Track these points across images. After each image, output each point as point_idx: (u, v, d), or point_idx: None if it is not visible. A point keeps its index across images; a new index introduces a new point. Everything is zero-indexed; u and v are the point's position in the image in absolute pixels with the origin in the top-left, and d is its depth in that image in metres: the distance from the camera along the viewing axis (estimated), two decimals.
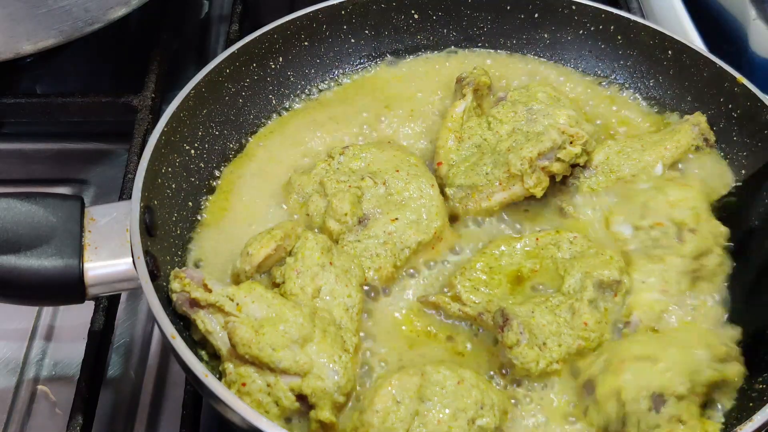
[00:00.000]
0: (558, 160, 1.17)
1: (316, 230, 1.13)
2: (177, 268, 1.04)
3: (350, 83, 1.39)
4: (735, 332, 1.08)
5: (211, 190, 1.22)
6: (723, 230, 1.15)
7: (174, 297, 1.01)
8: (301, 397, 0.97)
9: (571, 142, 1.17)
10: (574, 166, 1.20)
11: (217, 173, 1.24)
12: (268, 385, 0.96)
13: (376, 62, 1.41)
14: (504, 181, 1.17)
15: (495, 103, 1.27)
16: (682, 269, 1.11)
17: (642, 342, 1.01)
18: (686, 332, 1.04)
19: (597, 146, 1.22)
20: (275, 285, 1.06)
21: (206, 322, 0.99)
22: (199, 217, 1.19)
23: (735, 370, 1.01)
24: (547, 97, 1.25)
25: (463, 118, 1.25)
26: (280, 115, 1.33)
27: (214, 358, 1.03)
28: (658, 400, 0.95)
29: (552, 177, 1.18)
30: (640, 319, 1.06)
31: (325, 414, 0.95)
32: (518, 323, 1.00)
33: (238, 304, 0.99)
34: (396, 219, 1.13)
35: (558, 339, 1.02)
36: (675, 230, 1.13)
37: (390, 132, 1.30)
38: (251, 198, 1.21)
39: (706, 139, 1.25)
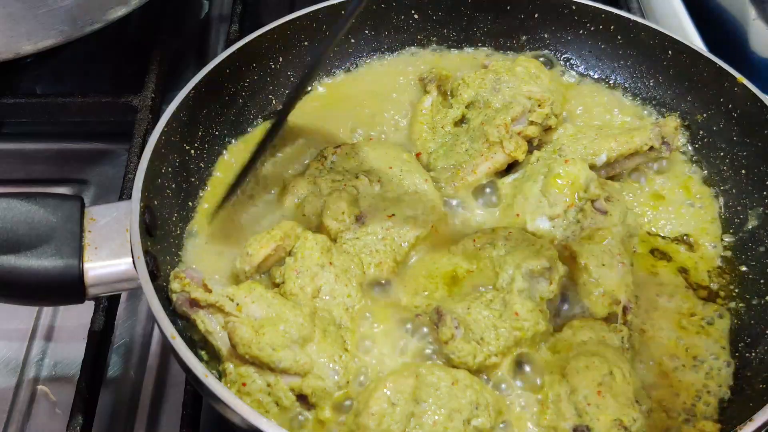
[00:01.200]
0: (531, 123, 1.24)
1: (314, 230, 1.13)
2: (177, 268, 1.04)
3: (350, 83, 1.39)
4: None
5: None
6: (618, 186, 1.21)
7: (174, 297, 1.01)
8: (302, 397, 0.97)
9: (539, 105, 1.24)
10: (547, 130, 1.26)
11: (219, 174, 1.24)
12: (269, 385, 0.97)
13: (376, 62, 1.41)
14: (485, 152, 1.21)
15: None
16: (623, 236, 1.12)
17: (590, 366, 0.99)
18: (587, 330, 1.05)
19: (543, 135, 1.26)
20: (275, 285, 1.06)
21: (206, 322, 1.00)
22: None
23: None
24: (525, 72, 1.29)
25: (432, 111, 1.30)
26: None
27: (214, 358, 1.03)
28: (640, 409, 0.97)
29: (530, 142, 1.24)
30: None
31: (325, 414, 0.96)
32: (451, 318, 1.00)
33: (238, 304, 0.99)
34: (393, 215, 1.13)
35: (495, 332, 1.01)
36: (590, 204, 1.14)
37: (387, 129, 1.31)
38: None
39: (666, 143, 1.23)
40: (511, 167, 1.25)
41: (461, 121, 1.29)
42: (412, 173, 1.19)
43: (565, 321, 1.07)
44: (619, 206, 1.15)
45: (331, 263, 1.06)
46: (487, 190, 1.22)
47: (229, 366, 0.99)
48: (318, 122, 1.31)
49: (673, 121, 1.25)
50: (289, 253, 1.08)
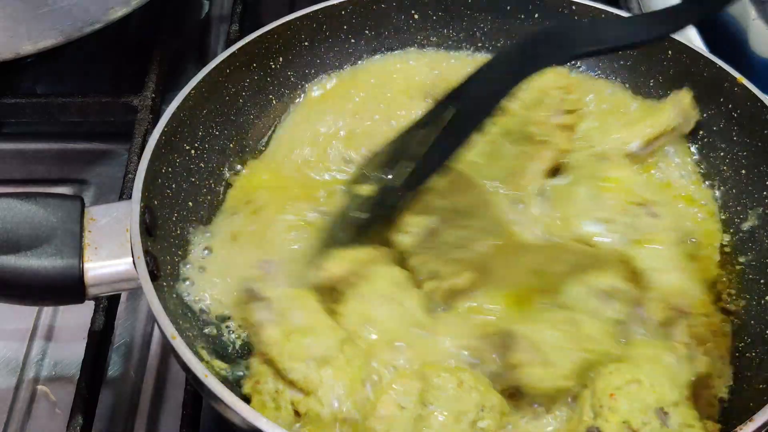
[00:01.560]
0: (567, 112, 1.21)
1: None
2: (260, 260, 1.06)
3: (350, 83, 1.39)
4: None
5: (211, 191, 1.22)
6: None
7: (244, 284, 1.02)
8: (298, 413, 0.95)
9: (567, 92, 1.22)
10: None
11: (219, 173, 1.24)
12: (276, 391, 0.96)
13: (377, 62, 1.41)
14: (535, 152, 1.19)
15: None
16: (676, 239, 1.10)
17: (616, 372, 0.98)
18: (644, 347, 1.02)
19: (580, 119, 1.25)
20: (333, 301, 1.04)
21: (256, 313, 1.00)
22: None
23: (703, 363, 1.00)
24: (555, 80, 1.25)
25: None
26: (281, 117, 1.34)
27: (214, 358, 1.03)
28: (661, 414, 0.94)
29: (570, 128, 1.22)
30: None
31: None
32: (522, 340, 0.98)
33: (287, 307, 0.99)
34: (465, 226, 1.11)
35: (565, 354, 0.99)
36: (641, 209, 1.13)
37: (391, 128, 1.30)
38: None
39: (686, 120, 1.24)
40: (555, 171, 1.22)
41: None
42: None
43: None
44: (671, 210, 1.13)
45: (394, 299, 1.03)
46: (539, 198, 1.19)
47: (255, 361, 0.99)
48: (327, 123, 1.31)
49: (686, 95, 1.25)
50: (361, 276, 1.05)
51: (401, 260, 1.09)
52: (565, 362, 0.98)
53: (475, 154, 1.21)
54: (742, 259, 1.19)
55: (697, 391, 1.00)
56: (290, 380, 0.95)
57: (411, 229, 1.09)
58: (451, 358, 1.01)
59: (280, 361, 0.95)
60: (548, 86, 1.22)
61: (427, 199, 1.11)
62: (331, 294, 1.05)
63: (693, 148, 1.30)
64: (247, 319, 1.01)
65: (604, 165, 1.17)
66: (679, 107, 1.24)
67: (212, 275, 1.13)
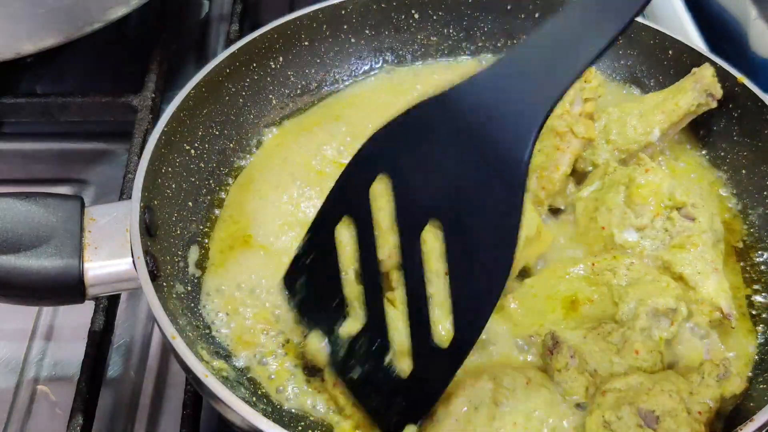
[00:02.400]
0: (586, 100, 1.20)
1: None
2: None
3: (351, 82, 1.39)
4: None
5: (211, 191, 1.23)
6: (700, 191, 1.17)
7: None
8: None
9: (586, 81, 1.20)
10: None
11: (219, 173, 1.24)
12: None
13: (377, 62, 1.41)
14: (560, 144, 1.18)
15: None
16: (713, 242, 1.10)
17: (628, 375, 0.97)
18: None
19: (598, 113, 1.23)
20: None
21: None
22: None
23: (735, 386, 0.97)
24: None
25: None
26: (280, 118, 1.34)
27: (214, 358, 1.03)
28: (648, 416, 0.92)
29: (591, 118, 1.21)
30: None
31: None
32: (568, 346, 0.98)
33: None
34: None
35: (609, 367, 0.98)
36: (676, 212, 1.11)
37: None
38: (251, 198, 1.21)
39: (710, 95, 1.22)
40: (581, 179, 1.22)
41: None
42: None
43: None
44: (706, 212, 1.12)
45: None
46: (563, 207, 1.19)
47: None
48: (328, 124, 1.31)
49: (707, 69, 1.23)
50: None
51: None
52: (609, 375, 0.97)
53: None
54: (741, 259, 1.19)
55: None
56: None
57: None
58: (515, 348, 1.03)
59: None
60: None
61: None
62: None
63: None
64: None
65: (635, 170, 1.15)
66: (699, 86, 1.21)
67: (212, 275, 1.13)
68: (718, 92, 1.23)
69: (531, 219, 1.10)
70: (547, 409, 0.94)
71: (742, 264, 1.18)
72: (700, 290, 1.06)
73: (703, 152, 1.30)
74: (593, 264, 1.10)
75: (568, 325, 1.05)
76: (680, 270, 1.07)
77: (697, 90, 1.22)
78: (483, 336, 0.98)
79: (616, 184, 1.15)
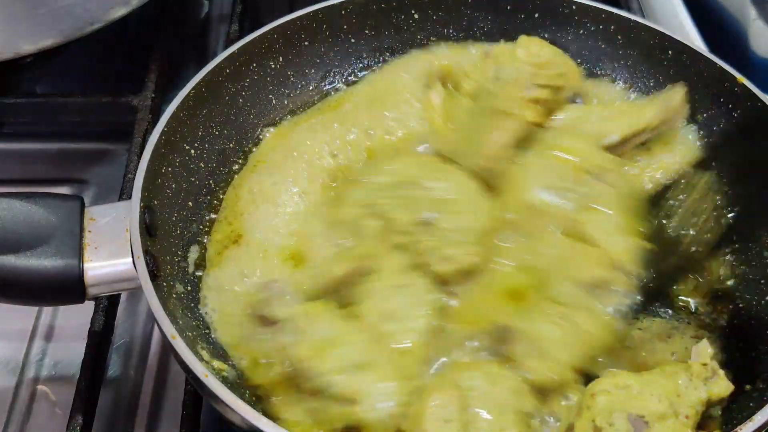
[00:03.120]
0: (539, 86, 1.21)
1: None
2: (266, 282, 1.05)
3: (350, 82, 1.39)
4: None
5: (211, 191, 1.23)
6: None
7: (249, 310, 1.02)
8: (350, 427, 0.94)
9: (541, 68, 1.21)
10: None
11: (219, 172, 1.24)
12: (317, 409, 0.95)
13: (377, 62, 1.41)
14: (498, 123, 1.20)
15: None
16: (621, 202, 1.13)
17: (612, 375, 0.97)
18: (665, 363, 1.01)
19: (563, 106, 1.24)
20: (344, 305, 1.04)
21: (278, 337, 0.99)
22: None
23: (722, 388, 0.96)
24: (526, 53, 1.24)
25: (444, 105, 1.28)
26: (280, 118, 1.34)
27: (214, 358, 1.03)
28: (637, 422, 0.92)
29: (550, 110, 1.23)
30: None
31: None
32: (520, 333, 0.99)
33: (302, 323, 0.98)
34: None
35: (562, 348, 0.99)
36: (589, 176, 1.14)
37: (392, 130, 1.30)
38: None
39: (675, 115, 1.23)
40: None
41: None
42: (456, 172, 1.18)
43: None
44: (618, 176, 1.15)
45: (406, 285, 1.04)
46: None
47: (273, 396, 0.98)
48: (329, 124, 1.31)
49: (678, 92, 1.24)
50: (366, 273, 1.05)
51: (400, 248, 1.09)
52: (563, 356, 0.99)
53: (449, 131, 1.25)
54: (742, 259, 1.18)
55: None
56: (332, 395, 0.93)
57: (406, 227, 1.09)
58: (463, 348, 1.01)
59: (317, 378, 0.93)
60: (522, 61, 1.22)
61: (412, 194, 1.14)
62: (339, 299, 1.05)
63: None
64: (262, 348, 0.99)
65: (562, 136, 1.18)
66: (666, 105, 1.23)
67: (212, 275, 1.13)
68: (683, 114, 1.24)
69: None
70: (516, 397, 0.94)
71: None
72: (606, 250, 1.07)
73: (702, 152, 1.30)
74: (521, 247, 1.10)
75: (513, 314, 1.04)
76: (590, 231, 1.09)
77: (663, 108, 1.23)
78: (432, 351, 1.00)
79: (538, 149, 1.18)
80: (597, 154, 1.17)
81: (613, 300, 1.05)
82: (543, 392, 0.98)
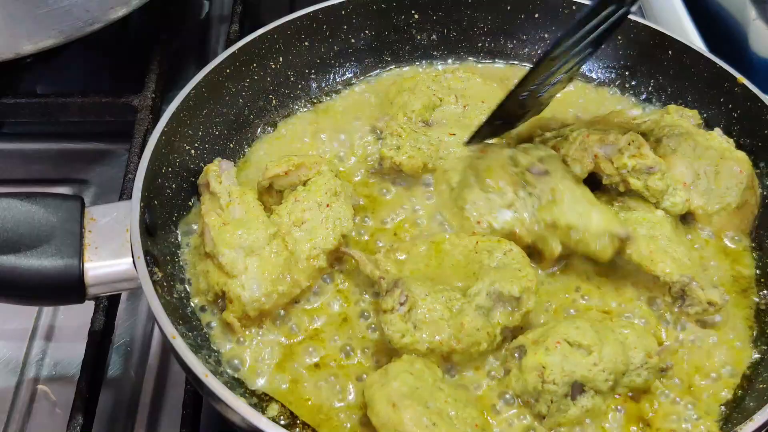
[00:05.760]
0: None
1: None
2: (219, 158, 1.18)
3: (350, 82, 1.39)
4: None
5: None
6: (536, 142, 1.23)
7: (200, 178, 1.14)
8: (223, 294, 1.04)
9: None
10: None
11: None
12: (207, 271, 1.05)
13: (377, 61, 1.41)
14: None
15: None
16: (575, 181, 1.14)
17: (584, 328, 1.00)
18: (632, 331, 1.03)
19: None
20: (276, 202, 1.15)
21: (206, 204, 1.11)
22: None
23: (651, 384, 1.02)
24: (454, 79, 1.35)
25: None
26: (280, 118, 1.34)
27: (213, 359, 1.03)
28: (577, 388, 0.98)
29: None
30: None
31: (229, 317, 1.03)
32: (403, 293, 1.02)
33: (229, 201, 1.09)
34: (453, 134, 1.23)
35: (434, 328, 1.00)
36: (529, 174, 1.14)
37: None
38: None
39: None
40: None
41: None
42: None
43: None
44: (555, 159, 1.16)
45: (328, 206, 1.11)
46: (438, 216, 1.19)
47: (198, 240, 1.10)
48: (329, 124, 1.32)
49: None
50: (304, 183, 1.14)
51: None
52: (430, 334, 1.00)
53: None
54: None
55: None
56: (218, 263, 1.04)
57: (410, 113, 1.26)
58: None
59: (212, 244, 1.04)
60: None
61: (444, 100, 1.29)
62: (275, 196, 1.16)
63: None
64: (202, 209, 1.11)
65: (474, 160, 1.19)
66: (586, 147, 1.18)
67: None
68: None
69: None
70: (434, 382, 0.97)
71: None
72: (590, 227, 1.09)
73: None
74: (477, 242, 1.11)
75: (423, 284, 1.05)
76: (565, 222, 1.10)
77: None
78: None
79: (467, 179, 1.17)
80: (520, 152, 1.17)
81: (514, 322, 1.05)
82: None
